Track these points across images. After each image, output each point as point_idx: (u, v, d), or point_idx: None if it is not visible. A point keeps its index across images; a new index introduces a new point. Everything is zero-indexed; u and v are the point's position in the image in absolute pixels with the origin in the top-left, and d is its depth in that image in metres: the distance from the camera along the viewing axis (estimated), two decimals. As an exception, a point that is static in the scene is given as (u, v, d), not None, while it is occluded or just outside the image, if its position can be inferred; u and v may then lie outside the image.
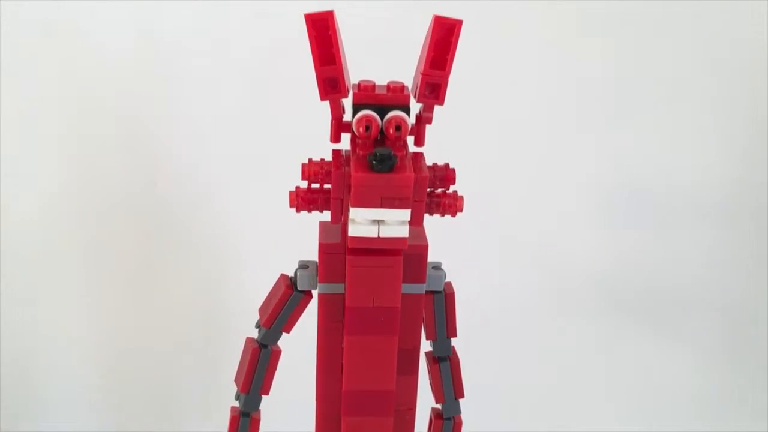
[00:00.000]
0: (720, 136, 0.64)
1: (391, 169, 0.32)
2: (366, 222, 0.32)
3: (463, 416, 0.43)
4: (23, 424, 0.76)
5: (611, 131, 0.64)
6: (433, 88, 0.33)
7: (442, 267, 0.38)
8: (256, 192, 0.66)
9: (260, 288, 0.40)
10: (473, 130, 0.62)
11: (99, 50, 0.66)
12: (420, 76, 0.33)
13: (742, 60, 0.63)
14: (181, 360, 0.74)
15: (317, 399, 0.39)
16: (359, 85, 0.34)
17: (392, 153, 0.32)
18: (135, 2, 0.65)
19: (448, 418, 0.41)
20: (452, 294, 0.38)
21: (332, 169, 0.34)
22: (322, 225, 0.37)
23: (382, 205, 0.32)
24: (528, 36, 0.63)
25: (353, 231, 0.33)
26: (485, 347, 0.62)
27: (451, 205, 0.35)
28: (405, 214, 0.32)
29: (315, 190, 0.35)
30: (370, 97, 0.33)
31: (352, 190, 0.32)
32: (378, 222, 0.32)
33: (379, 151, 0.32)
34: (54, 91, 0.66)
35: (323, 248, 0.36)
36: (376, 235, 0.33)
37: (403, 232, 0.33)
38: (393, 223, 0.32)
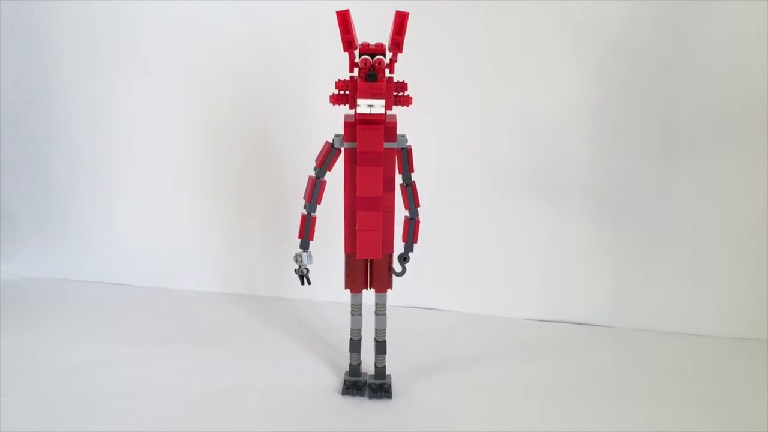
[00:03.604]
0: (581, 74, 0.88)
1: (375, 81, 0.65)
2: (365, 106, 0.65)
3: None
4: (158, 280, 1.01)
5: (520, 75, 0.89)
6: (397, 44, 0.66)
7: (406, 136, 0.71)
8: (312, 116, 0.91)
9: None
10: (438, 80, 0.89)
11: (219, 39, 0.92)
12: (390, 38, 0.66)
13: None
14: (271, 234, 0.98)
15: (345, 204, 0.70)
16: (362, 44, 0.67)
17: (376, 74, 0.66)
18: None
19: (413, 219, 0.73)
20: (410, 149, 0.70)
21: (350, 82, 0.68)
22: (346, 115, 0.71)
23: (372, 97, 0.65)
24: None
25: (360, 110, 0.66)
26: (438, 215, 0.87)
27: (405, 101, 0.69)
28: (382, 102, 0.65)
29: (341, 95, 0.69)
30: (367, 50, 0.66)
31: (358, 90, 0.65)
32: (370, 106, 0.65)
33: (370, 72, 0.65)
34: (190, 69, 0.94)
35: (346, 124, 0.69)
36: (369, 112, 0.66)
37: (381, 110, 0.65)
38: (377, 106, 0.65)
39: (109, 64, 0.96)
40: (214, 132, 0.96)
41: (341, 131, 0.71)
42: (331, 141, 0.71)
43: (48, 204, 1.03)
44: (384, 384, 0.76)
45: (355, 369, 0.78)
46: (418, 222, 0.73)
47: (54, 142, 1.00)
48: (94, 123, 0.98)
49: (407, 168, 0.71)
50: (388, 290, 0.75)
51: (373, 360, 0.77)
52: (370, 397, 0.76)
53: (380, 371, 0.77)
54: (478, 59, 0.89)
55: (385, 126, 0.68)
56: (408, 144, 0.71)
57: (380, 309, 0.76)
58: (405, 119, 0.72)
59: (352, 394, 0.76)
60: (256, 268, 1.00)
